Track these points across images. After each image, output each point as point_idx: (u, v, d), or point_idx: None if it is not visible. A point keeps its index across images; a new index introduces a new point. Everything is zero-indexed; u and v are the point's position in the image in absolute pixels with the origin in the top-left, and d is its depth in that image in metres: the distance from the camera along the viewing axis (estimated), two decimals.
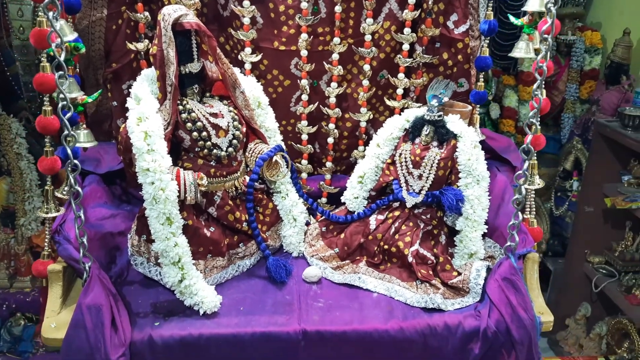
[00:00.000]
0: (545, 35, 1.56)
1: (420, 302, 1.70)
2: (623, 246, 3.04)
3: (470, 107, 2.04)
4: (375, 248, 1.89)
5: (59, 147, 1.71)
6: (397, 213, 1.90)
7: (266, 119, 1.95)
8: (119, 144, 1.74)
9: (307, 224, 2.03)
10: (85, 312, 1.49)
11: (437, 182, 1.86)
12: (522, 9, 1.85)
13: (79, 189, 1.52)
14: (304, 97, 2.10)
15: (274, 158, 1.85)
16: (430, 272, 1.80)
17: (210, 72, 1.81)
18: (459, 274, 1.77)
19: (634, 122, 2.76)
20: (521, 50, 1.90)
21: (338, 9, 1.98)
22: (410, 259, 1.81)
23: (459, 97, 2.12)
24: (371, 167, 1.95)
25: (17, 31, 2.74)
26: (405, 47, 2.05)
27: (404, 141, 1.92)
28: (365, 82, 2.09)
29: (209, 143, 1.75)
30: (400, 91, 2.11)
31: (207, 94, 1.85)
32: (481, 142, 1.95)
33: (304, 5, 1.96)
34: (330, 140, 2.17)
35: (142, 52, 2.03)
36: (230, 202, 1.83)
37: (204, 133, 1.74)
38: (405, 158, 1.88)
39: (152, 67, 1.73)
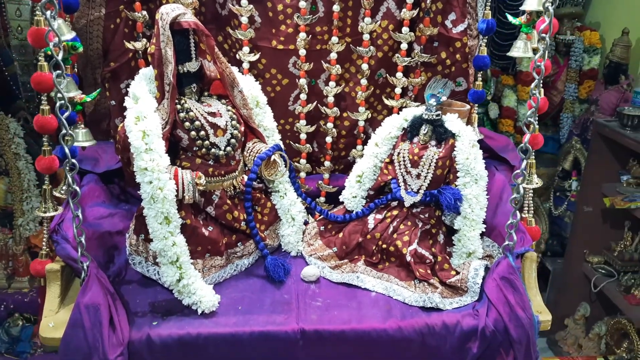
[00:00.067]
0: (543, 35, 1.56)
1: (419, 301, 1.70)
2: (622, 246, 3.04)
3: (468, 107, 2.04)
4: (374, 247, 1.88)
5: (57, 146, 1.71)
6: (395, 212, 1.90)
7: (264, 118, 1.95)
8: (117, 143, 1.74)
9: (306, 223, 2.03)
10: (84, 311, 1.49)
11: (436, 181, 1.86)
12: (520, 8, 1.85)
13: (77, 188, 1.51)
14: (303, 96, 2.10)
15: (273, 157, 1.85)
16: (429, 271, 1.80)
17: (208, 71, 1.81)
18: (457, 273, 1.77)
19: (633, 121, 2.76)
20: (519, 49, 1.91)
21: (336, 8, 1.98)
22: (408, 258, 1.81)
23: (457, 97, 2.12)
24: (369, 166, 1.95)
25: (15, 31, 2.74)
26: (404, 46, 2.05)
27: (402, 140, 1.92)
28: (364, 81, 2.09)
29: (207, 142, 1.75)
30: (398, 90, 2.11)
31: (205, 93, 1.85)
32: (479, 141, 1.95)
33: (302, 4, 1.96)
34: (329, 139, 2.17)
35: (140, 51, 2.03)
36: (228, 201, 1.83)
37: (202, 132, 1.74)
38: (404, 157, 1.88)
39: (150, 66, 1.73)
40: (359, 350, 1.62)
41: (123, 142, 1.67)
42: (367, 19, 2.01)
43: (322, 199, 2.21)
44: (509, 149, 2.12)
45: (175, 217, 1.64)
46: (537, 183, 1.87)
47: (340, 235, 1.94)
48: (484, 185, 1.83)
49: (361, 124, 2.16)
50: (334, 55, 2.05)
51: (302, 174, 2.21)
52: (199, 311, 1.62)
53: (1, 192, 2.93)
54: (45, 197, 1.72)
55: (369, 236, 1.90)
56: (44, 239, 1.76)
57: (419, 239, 1.85)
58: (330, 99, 2.11)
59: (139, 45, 2.01)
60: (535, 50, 1.88)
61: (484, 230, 1.84)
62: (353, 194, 1.97)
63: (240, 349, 1.58)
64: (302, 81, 2.07)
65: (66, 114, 1.46)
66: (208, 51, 1.75)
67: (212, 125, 1.76)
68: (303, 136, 2.16)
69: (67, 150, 1.47)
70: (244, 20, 1.99)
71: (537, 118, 1.69)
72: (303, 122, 2.14)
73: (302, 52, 2.02)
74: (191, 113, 1.74)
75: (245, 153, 1.89)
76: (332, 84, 2.08)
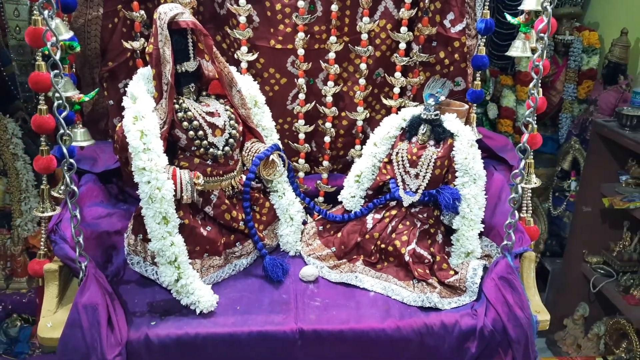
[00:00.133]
0: (542, 34, 1.56)
1: (417, 301, 1.70)
2: (621, 246, 3.04)
3: (467, 106, 2.04)
4: (372, 247, 1.88)
5: (55, 146, 1.71)
6: (394, 212, 1.90)
7: (263, 118, 1.95)
8: (115, 143, 1.74)
9: (304, 223, 2.03)
10: (82, 311, 1.48)
11: (434, 181, 1.86)
12: (519, 8, 1.85)
13: (75, 188, 1.51)
14: (301, 95, 2.10)
15: (271, 157, 1.85)
16: (427, 271, 1.80)
17: (206, 70, 1.80)
18: (456, 272, 1.77)
19: (632, 122, 2.76)
20: (518, 49, 1.90)
21: (334, 7, 1.98)
22: (407, 258, 1.81)
23: (456, 96, 2.12)
24: (368, 166, 1.95)
25: (13, 31, 2.74)
26: (402, 45, 2.05)
27: (400, 140, 1.92)
28: (362, 81, 2.09)
29: (205, 142, 1.75)
30: (396, 90, 2.11)
31: (204, 93, 1.85)
32: (478, 141, 1.95)
33: (300, 4, 1.96)
34: (327, 139, 2.17)
35: (138, 51, 2.02)
36: (226, 201, 1.83)
37: (200, 132, 1.74)
38: (402, 157, 1.88)
39: (148, 65, 1.73)
40: (358, 350, 1.62)
41: (121, 142, 1.67)
42: (366, 19, 2.01)
43: (321, 198, 2.21)
44: (508, 148, 2.12)
45: (174, 217, 1.64)
46: (535, 183, 1.87)
47: (339, 235, 1.94)
48: (483, 185, 1.83)
49: (359, 123, 2.15)
50: (333, 55, 2.04)
51: (301, 174, 2.20)
52: (198, 311, 1.62)
53: None
54: (43, 197, 1.71)
55: (367, 236, 1.90)
56: (42, 239, 1.75)
57: (418, 238, 1.85)
58: (329, 99, 2.11)
59: (137, 44, 2.01)
60: (533, 50, 1.87)
61: (483, 230, 1.84)
62: (352, 193, 1.97)
63: (238, 348, 1.57)
64: (301, 81, 2.07)
65: (64, 113, 1.46)
66: (206, 51, 1.75)
67: (211, 125, 1.76)
68: (301, 136, 2.16)
69: (65, 150, 1.47)
70: (242, 19, 1.99)
71: (535, 118, 1.69)
72: (301, 121, 2.14)
73: (301, 51, 2.02)
74: (189, 113, 1.74)
75: (243, 153, 1.89)
76: (330, 83, 2.08)
